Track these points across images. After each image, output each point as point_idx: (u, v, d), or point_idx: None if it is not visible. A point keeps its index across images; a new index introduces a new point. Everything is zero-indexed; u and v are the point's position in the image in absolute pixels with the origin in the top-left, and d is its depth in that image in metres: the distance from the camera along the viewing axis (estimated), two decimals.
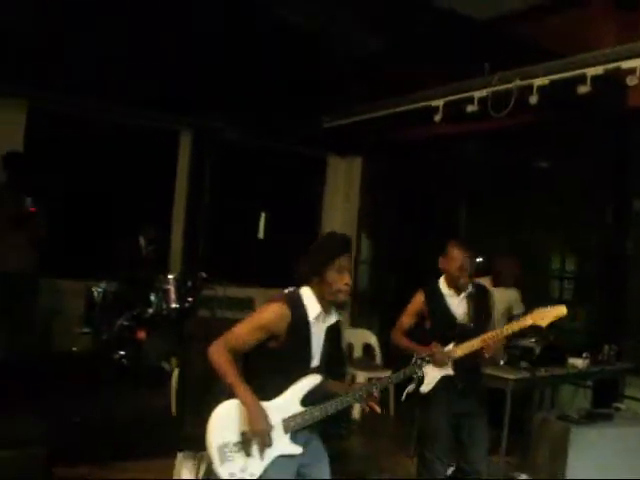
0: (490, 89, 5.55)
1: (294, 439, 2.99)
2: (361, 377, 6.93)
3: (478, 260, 6.43)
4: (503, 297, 6.10)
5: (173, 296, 6.92)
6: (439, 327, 4.08)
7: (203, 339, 4.65)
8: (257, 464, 2.93)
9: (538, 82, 5.27)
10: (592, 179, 7.11)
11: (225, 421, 2.92)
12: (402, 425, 6.50)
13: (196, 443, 4.14)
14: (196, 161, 8.59)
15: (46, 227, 5.81)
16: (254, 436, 2.87)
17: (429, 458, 4.08)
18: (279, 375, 2.97)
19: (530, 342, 5.58)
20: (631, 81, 4.65)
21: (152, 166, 8.40)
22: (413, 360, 3.45)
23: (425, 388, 4.04)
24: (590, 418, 5.34)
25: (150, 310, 6.88)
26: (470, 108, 5.79)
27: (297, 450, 2.99)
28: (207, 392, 4.38)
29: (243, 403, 2.87)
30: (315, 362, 3.04)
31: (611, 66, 4.77)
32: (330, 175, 9.71)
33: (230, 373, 2.87)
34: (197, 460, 4.22)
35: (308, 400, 3.01)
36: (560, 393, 6.56)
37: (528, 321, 3.76)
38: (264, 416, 2.88)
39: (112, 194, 7.95)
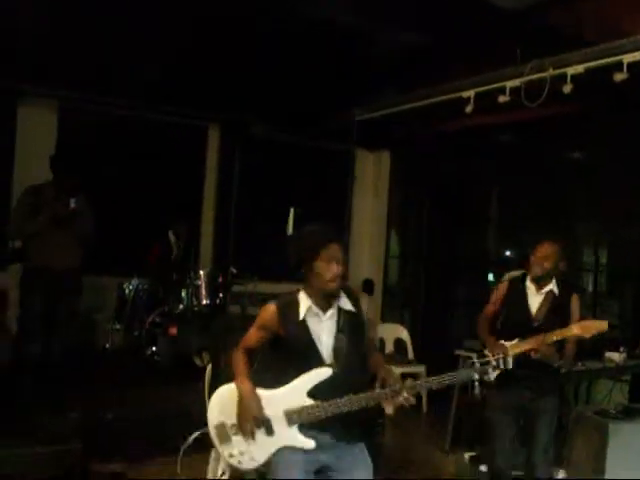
0: (523, 79, 5.43)
1: (303, 431, 2.96)
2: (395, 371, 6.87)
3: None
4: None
5: (204, 292, 6.92)
6: (510, 319, 4.18)
7: (234, 334, 4.65)
8: (258, 450, 2.97)
9: (572, 70, 5.15)
10: (628, 170, 6.98)
11: (224, 402, 3.05)
12: (436, 421, 6.44)
13: None
14: (225, 156, 8.59)
15: (91, 226, 5.87)
16: (242, 419, 2.95)
17: (494, 455, 4.15)
18: (284, 366, 3.03)
19: None
20: None
21: (181, 162, 8.42)
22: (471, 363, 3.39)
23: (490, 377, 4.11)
24: (628, 413, 5.27)
25: (181, 306, 6.89)
26: (502, 98, 5.68)
27: (308, 444, 2.94)
28: None
29: (237, 388, 3.00)
30: (327, 356, 2.98)
31: None
32: (359, 169, 9.64)
33: (236, 368, 3.05)
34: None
35: (319, 394, 2.94)
36: (596, 388, 6.45)
37: (573, 331, 3.87)
38: (254, 401, 2.95)
39: (142, 191, 7.97)
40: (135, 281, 6.93)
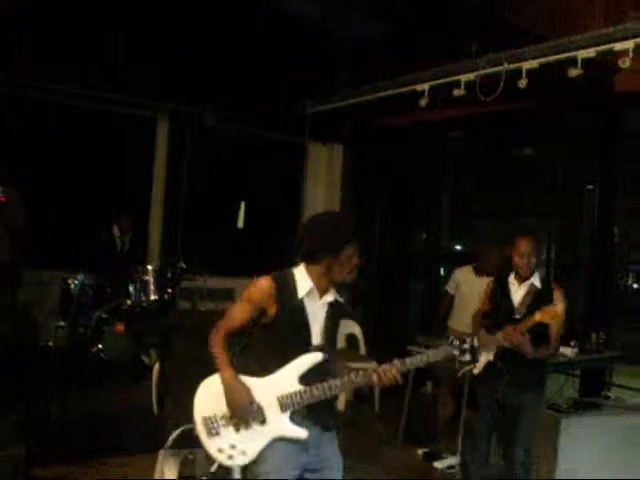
0: (478, 72, 5.42)
1: (296, 422, 2.84)
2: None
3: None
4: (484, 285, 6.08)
5: (152, 287, 6.74)
6: (494, 313, 4.32)
7: (183, 331, 4.52)
8: (250, 442, 2.82)
9: (527, 65, 5.15)
10: (579, 165, 7.06)
11: (211, 393, 2.86)
12: (389, 418, 6.40)
13: (177, 438, 4.02)
14: (174, 148, 8.39)
15: (21, 217, 5.61)
16: (232, 410, 2.80)
17: (474, 444, 4.39)
18: (276, 352, 2.87)
19: None
20: (623, 63, 4.55)
21: (129, 154, 8.19)
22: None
23: (475, 370, 4.33)
24: (579, 407, 5.31)
25: (129, 302, 6.69)
26: (457, 92, 5.66)
27: (301, 434, 2.83)
28: (188, 386, 4.25)
29: (221, 377, 2.83)
30: (316, 340, 2.91)
31: (603, 48, 4.66)
32: (311, 162, 9.55)
33: (217, 353, 2.86)
34: (180, 457, 4.08)
35: (309, 379, 2.86)
36: (548, 382, 6.49)
37: (536, 317, 3.95)
38: (239, 389, 2.81)
39: (89, 183, 7.72)
40: (80, 276, 6.69)
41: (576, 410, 5.27)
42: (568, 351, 5.62)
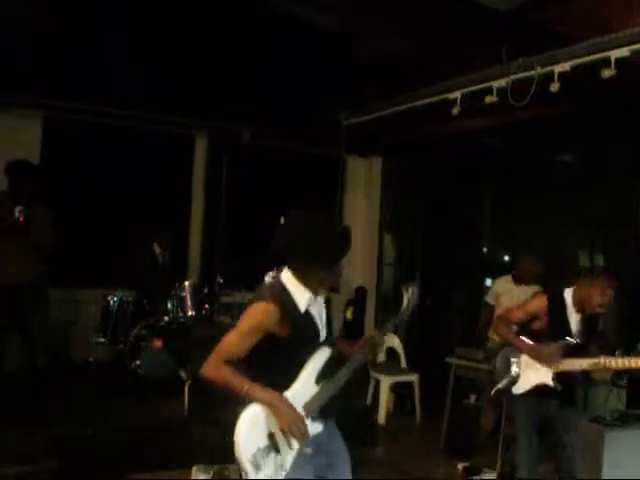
0: (509, 78, 5.31)
1: (313, 419, 2.86)
2: (386, 382, 6.74)
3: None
4: (525, 295, 5.94)
5: (190, 303, 6.79)
6: (552, 336, 4.07)
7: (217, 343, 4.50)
8: (288, 458, 2.81)
9: (559, 69, 5.03)
10: (619, 171, 6.86)
11: (251, 429, 2.77)
12: (429, 431, 6.30)
13: (209, 453, 4.03)
14: (212, 165, 8.49)
15: (46, 236, 5.68)
16: (290, 431, 2.75)
17: (517, 464, 4.08)
18: (289, 365, 2.85)
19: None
20: None
21: (168, 172, 8.30)
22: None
23: (517, 390, 4.06)
24: (624, 420, 5.14)
25: (166, 318, 6.75)
26: (489, 99, 5.55)
27: (317, 429, 2.87)
28: (220, 399, 4.24)
29: (265, 402, 2.75)
30: (322, 336, 2.94)
31: (637, 46, 4.51)
32: (350, 175, 9.53)
33: (237, 381, 2.75)
34: (212, 472, 4.08)
35: (323, 376, 2.89)
36: (593, 394, 6.30)
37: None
38: (292, 407, 2.77)
39: (129, 202, 7.86)
40: (119, 293, 6.78)
41: (622, 423, 5.10)
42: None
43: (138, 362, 6.49)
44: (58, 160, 7.58)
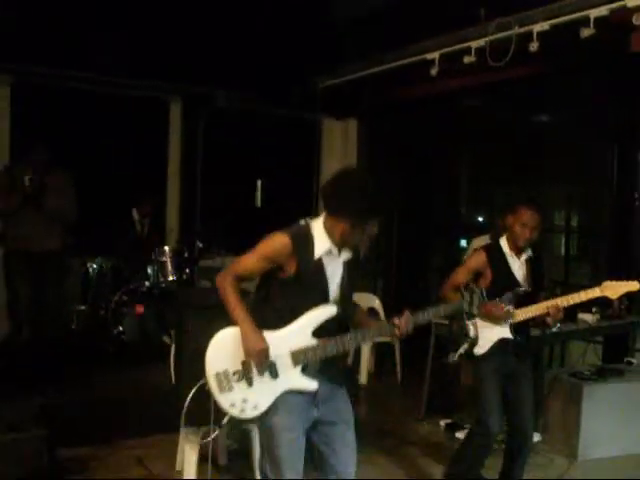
0: (488, 38, 5.31)
1: (307, 374, 2.84)
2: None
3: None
4: None
5: (170, 268, 6.77)
6: (499, 288, 3.92)
7: (201, 308, 4.52)
8: (262, 396, 2.82)
9: (538, 28, 5.04)
10: (595, 130, 6.92)
11: (224, 348, 2.82)
12: (411, 390, 6.40)
13: (196, 417, 4.04)
14: (188, 130, 8.37)
15: (64, 202, 5.81)
16: (248, 356, 2.77)
17: (481, 428, 3.98)
18: (294, 306, 2.83)
19: None
20: (637, 20, 4.42)
21: (144, 138, 8.17)
22: (463, 291, 3.24)
23: (479, 350, 3.97)
24: (602, 374, 5.28)
25: (147, 284, 6.74)
26: (467, 59, 5.56)
27: (311, 385, 2.84)
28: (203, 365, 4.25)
29: (240, 328, 2.78)
30: (333, 295, 2.89)
31: (616, 5, 4.53)
32: (326, 138, 9.48)
33: (231, 299, 2.81)
34: (200, 434, 4.11)
35: (322, 333, 2.85)
36: (570, 350, 6.44)
37: (596, 292, 3.72)
38: (259, 338, 2.77)
39: (105, 168, 7.74)
40: (99, 260, 6.74)
41: (599, 377, 5.23)
42: (589, 318, 5.55)
43: (121, 328, 6.49)
44: (29, 126, 7.41)
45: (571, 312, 5.55)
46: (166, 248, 6.89)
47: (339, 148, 9.64)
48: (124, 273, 6.83)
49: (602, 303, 5.79)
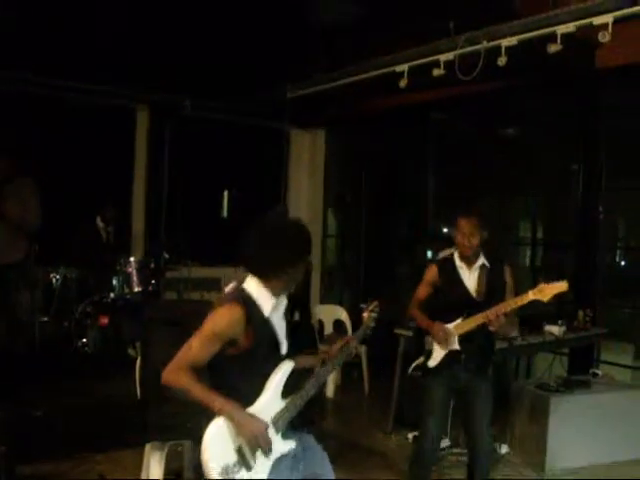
0: (457, 51, 5.34)
1: (284, 436, 2.80)
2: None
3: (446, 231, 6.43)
4: None
5: (136, 279, 6.66)
6: (449, 299, 4.00)
7: (167, 322, 4.45)
8: (260, 474, 2.73)
9: (506, 43, 5.08)
10: (561, 144, 7.02)
11: (218, 444, 2.66)
12: (378, 402, 6.37)
13: (162, 432, 3.97)
14: (154, 139, 8.30)
15: (23, 210, 5.66)
16: (251, 443, 2.67)
17: (420, 438, 4.03)
18: (252, 377, 2.74)
19: None
20: (603, 37, 4.49)
21: (110, 145, 8.05)
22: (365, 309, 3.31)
23: (432, 362, 4.01)
24: (568, 385, 5.31)
25: (112, 295, 6.62)
26: (437, 72, 5.58)
27: (291, 445, 2.82)
28: None
29: (229, 417, 2.64)
30: (283, 349, 2.85)
31: (582, 22, 4.60)
32: (294, 148, 9.48)
33: (198, 390, 2.62)
34: (166, 450, 4.03)
35: (287, 390, 2.82)
36: (536, 361, 6.49)
37: (529, 296, 3.71)
38: (256, 420, 2.68)
39: (69, 176, 7.60)
40: (62, 270, 6.60)
41: (565, 389, 5.27)
42: (555, 329, 5.59)
43: (84, 340, 6.36)
44: None
45: (537, 324, 5.62)
46: (132, 259, 6.78)
47: (307, 159, 9.65)
48: (89, 283, 6.70)
49: (568, 315, 5.87)
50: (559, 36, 4.76)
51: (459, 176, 8.21)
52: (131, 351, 6.19)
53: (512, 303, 3.76)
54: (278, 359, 2.80)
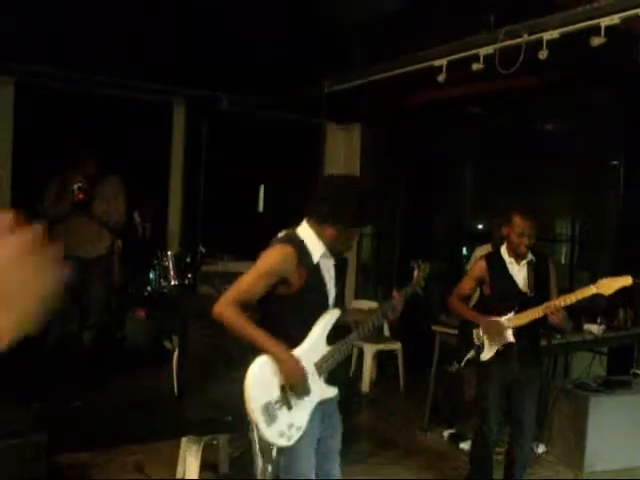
0: (497, 45, 5.24)
1: (328, 382, 2.88)
2: (370, 350, 6.75)
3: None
4: None
5: (172, 273, 6.70)
6: (500, 294, 4.08)
7: (204, 316, 4.48)
8: (301, 416, 2.78)
9: (548, 36, 4.97)
10: (602, 140, 6.89)
11: (261, 380, 2.73)
12: (413, 399, 6.34)
13: (198, 426, 4.00)
14: (191, 133, 8.33)
15: (111, 209, 6.09)
16: (292, 384, 2.72)
17: (482, 429, 4.10)
18: (300, 319, 2.82)
19: None
20: None
21: (146, 140, 8.11)
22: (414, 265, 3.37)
23: (485, 356, 4.06)
24: (608, 386, 5.23)
25: (149, 288, 6.67)
26: (476, 66, 5.48)
27: (333, 392, 2.89)
28: (208, 371, 4.21)
29: (272, 354, 2.70)
30: (331, 298, 2.92)
31: (627, 14, 4.48)
32: (329, 144, 9.44)
33: (248, 327, 2.70)
34: (202, 443, 4.05)
35: (332, 337, 2.89)
36: (575, 360, 6.38)
37: (592, 290, 3.72)
38: (298, 364, 2.73)
39: (107, 170, 7.66)
40: None
41: (605, 389, 5.19)
42: (595, 328, 5.49)
43: (122, 333, 6.43)
44: (32, 127, 7.36)
45: (577, 323, 5.52)
46: (169, 252, 6.82)
47: (342, 154, 9.61)
48: (126, 277, 6.77)
49: (608, 314, 5.76)
50: (603, 28, 4.65)
51: (497, 173, 8.12)
52: (168, 344, 6.23)
53: (572, 296, 3.77)
54: (325, 307, 2.86)
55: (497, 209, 7.99)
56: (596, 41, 4.70)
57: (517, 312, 3.93)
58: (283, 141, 8.93)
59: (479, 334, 4.08)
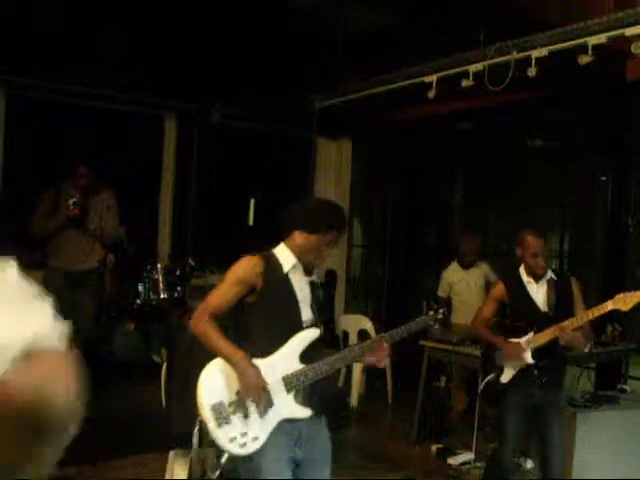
0: (486, 62, 5.31)
1: (298, 401, 2.81)
2: (358, 364, 6.74)
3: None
4: (477, 276, 6.40)
5: (162, 286, 6.70)
6: (519, 315, 4.04)
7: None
8: (259, 427, 2.74)
9: (536, 53, 5.04)
10: (590, 155, 6.96)
11: (217, 379, 2.76)
12: (402, 413, 6.34)
13: (186, 439, 3.98)
14: (182, 146, 8.34)
15: (103, 223, 6.05)
16: (247, 394, 2.71)
17: (499, 454, 4.07)
18: (269, 332, 2.82)
19: None
20: (636, 49, 4.44)
21: (137, 153, 8.13)
22: (425, 309, 3.29)
23: (504, 378, 4.02)
24: (596, 401, 5.23)
25: (138, 301, 6.66)
26: (465, 83, 5.55)
27: (305, 413, 2.81)
28: (196, 384, 4.20)
29: (229, 359, 2.72)
30: (306, 315, 2.88)
31: (614, 33, 4.55)
32: (320, 158, 9.47)
33: (213, 336, 2.75)
34: (189, 458, 4.04)
35: (308, 356, 2.83)
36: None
37: (609, 306, 3.65)
38: (255, 371, 2.71)
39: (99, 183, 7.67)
40: None
41: (593, 404, 5.19)
42: None
43: (110, 346, 6.41)
44: (23, 139, 7.36)
45: None
46: (158, 265, 6.83)
47: (333, 168, 9.64)
48: (115, 290, 6.76)
49: (596, 329, 5.79)
50: (590, 47, 4.72)
51: (486, 187, 8.18)
52: (156, 357, 6.22)
53: (585, 315, 3.73)
54: (297, 320, 2.84)
55: (494, 228, 8.08)
56: (584, 59, 4.77)
57: (537, 332, 3.86)
58: (274, 155, 8.96)
59: (499, 356, 4.04)
